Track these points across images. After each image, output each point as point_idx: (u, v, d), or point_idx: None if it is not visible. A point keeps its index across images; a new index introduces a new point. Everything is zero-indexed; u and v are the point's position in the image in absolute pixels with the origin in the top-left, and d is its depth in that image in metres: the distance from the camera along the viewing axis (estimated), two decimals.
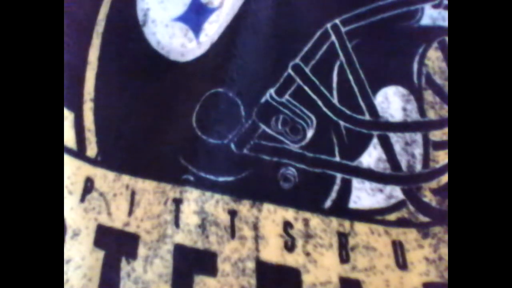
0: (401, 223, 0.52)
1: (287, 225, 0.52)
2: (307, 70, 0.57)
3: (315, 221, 0.52)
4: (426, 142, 0.54)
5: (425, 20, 0.55)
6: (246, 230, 0.53)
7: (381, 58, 0.56)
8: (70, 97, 0.60)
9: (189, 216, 0.54)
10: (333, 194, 0.53)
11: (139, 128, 0.59)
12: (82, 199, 0.57)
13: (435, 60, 0.55)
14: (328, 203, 0.52)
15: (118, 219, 0.56)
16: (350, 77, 0.57)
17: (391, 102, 0.55)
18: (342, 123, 0.55)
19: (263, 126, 0.57)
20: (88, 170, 0.58)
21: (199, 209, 0.54)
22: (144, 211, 0.55)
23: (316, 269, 0.53)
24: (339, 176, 0.53)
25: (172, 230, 0.54)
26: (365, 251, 0.51)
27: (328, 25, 0.57)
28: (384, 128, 0.56)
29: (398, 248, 0.52)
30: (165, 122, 0.58)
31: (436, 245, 0.50)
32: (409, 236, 0.52)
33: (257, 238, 0.53)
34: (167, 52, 0.60)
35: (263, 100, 0.58)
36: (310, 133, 0.56)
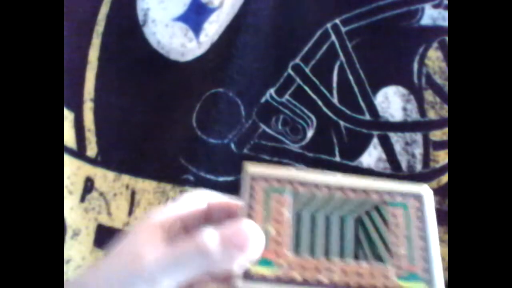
0: None
1: None
2: (307, 70, 0.57)
3: None
4: (426, 142, 0.54)
5: (425, 20, 0.55)
6: None
7: (381, 58, 0.56)
8: (70, 97, 0.60)
9: None
10: None
11: (139, 128, 0.59)
12: (82, 199, 0.57)
13: (435, 60, 0.55)
14: None
15: (118, 219, 0.56)
16: (350, 77, 0.57)
17: (391, 102, 0.55)
18: (342, 123, 0.55)
19: (263, 126, 0.57)
20: (88, 170, 0.58)
21: None
22: (144, 211, 0.55)
23: None
24: None
25: None
26: None
27: (328, 25, 0.57)
28: (384, 128, 0.56)
29: None
30: (165, 122, 0.58)
31: None
32: None
33: None
34: (167, 52, 0.60)
35: (263, 100, 0.58)
36: (310, 133, 0.56)
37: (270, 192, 0.30)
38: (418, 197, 0.31)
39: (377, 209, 0.32)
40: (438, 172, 0.52)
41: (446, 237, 0.50)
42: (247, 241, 0.27)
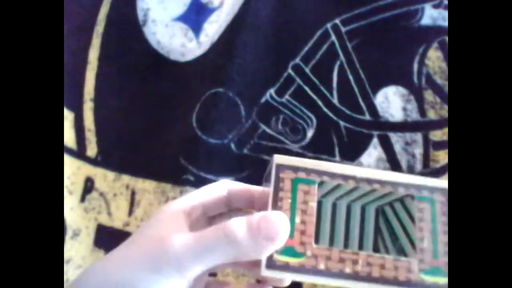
0: None
1: None
2: (307, 70, 0.57)
3: None
4: (426, 142, 0.54)
5: (425, 20, 0.55)
6: None
7: (381, 58, 0.56)
8: (70, 97, 0.60)
9: None
10: None
11: (139, 128, 0.59)
12: (82, 199, 0.57)
13: (435, 60, 0.55)
14: None
15: (118, 219, 0.56)
16: (350, 77, 0.57)
17: (391, 102, 0.55)
18: (342, 123, 0.55)
19: (263, 126, 0.57)
20: (88, 170, 0.58)
21: None
22: (144, 211, 0.55)
23: None
24: None
25: None
26: None
27: (328, 25, 0.57)
28: (384, 128, 0.56)
29: None
30: (165, 122, 0.58)
31: None
32: None
33: None
34: (167, 52, 0.60)
35: (263, 100, 0.58)
36: (310, 133, 0.56)
37: (297, 183, 0.30)
38: (444, 192, 0.31)
39: (402, 202, 0.32)
40: (438, 172, 0.52)
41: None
42: (275, 230, 0.27)
